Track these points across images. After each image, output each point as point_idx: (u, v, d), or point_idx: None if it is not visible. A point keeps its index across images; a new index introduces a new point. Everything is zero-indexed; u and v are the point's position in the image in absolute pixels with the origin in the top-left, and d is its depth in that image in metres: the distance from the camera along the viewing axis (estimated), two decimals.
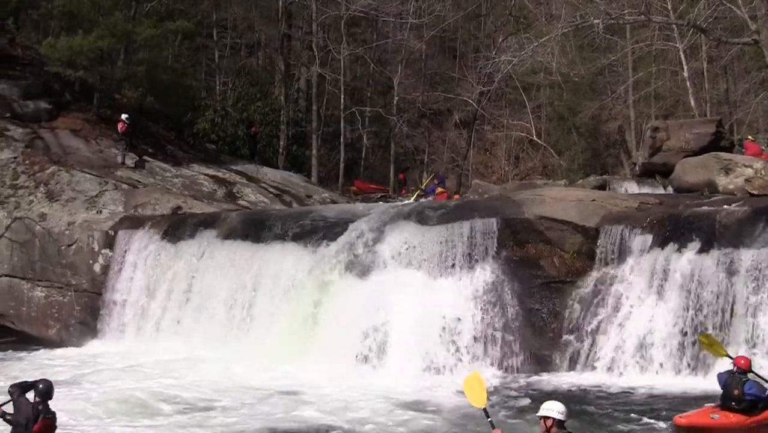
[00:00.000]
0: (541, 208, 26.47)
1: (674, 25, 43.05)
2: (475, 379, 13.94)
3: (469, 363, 24.11)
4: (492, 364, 24.15)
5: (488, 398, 13.88)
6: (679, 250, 23.75)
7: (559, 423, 12.53)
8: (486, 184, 47.58)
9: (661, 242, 24.23)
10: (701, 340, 19.93)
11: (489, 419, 13.17)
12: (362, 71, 62.17)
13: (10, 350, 29.52)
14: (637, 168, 39.83)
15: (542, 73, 52.12)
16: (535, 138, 57.93)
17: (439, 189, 40.24)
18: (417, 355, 24.39)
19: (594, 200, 26.85)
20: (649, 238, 24.56)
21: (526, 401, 21.06)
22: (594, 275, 25.11)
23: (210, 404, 21.31)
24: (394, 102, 58.36)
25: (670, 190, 32.80)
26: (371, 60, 58.82)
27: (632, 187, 35.47)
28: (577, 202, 26.59)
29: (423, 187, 40.63)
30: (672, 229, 24.37)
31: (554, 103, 59.38)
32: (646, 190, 33.77)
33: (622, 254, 24.82)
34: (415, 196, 37.90)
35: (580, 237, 25.60)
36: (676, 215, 25.07)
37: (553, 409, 12.58)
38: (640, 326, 23.42)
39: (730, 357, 18.82)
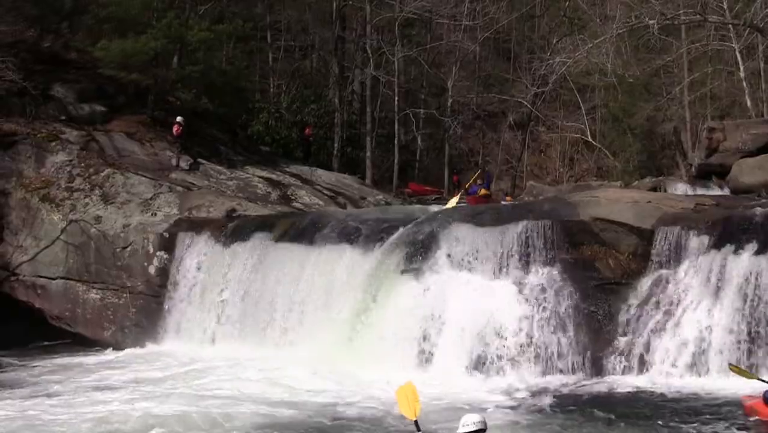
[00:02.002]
0: (597, 210, 26.25)
1: (730, 25, 42.60)
2: (409, 389, 13.55)
3: (522, 364, 23.98)
4: (546, 366, 23.93)
5: (418, 410, 13.26)
6: (736, 252, 23.41)
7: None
8: (540, 186, 47.44)
9: (717, 244, 23.91)
10: (732, 369, 19.71)
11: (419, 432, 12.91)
12: (416, 73, 62.10)
13: (65, 353, 29.83)
14: (693, 169, 39.53)
15: (597, 74, 51.88)
16: (589, 139, 57.65)
17: (482, 190, 38.17)
18: (470, 357, 24.24)
19: (649, 202, 26.60)
20: (706, 239, 24.24)
21: (580, 405, 20.91)
22: (649, 276, 24.81)
23: (265, 406, 21.29)
24: (448, 104, 58.35)
25: (726, 191, 32.50)
26: (425, 62, 58.79)
27: (688, 189, 35.15)
28: (633, 204, 26.34)
29: (466, 186, 38.27)
30: (729, 230, 24.05)
31: (609, 105, 59.02)
32: (702, 191, 33.45)
33: (678, 255, 24.49)
34: (458, 198, 35.46)
35: (636, 239, 25.34)
36: (733, 217, 24.73)
37: (470, 422, 12.17)
38: (696, 329, 23.09)
39: (763, 380, 18.86)
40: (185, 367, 26.40)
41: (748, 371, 20.12)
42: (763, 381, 18.88)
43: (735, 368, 19.63)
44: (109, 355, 29.38)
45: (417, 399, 13.29)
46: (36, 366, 27.80)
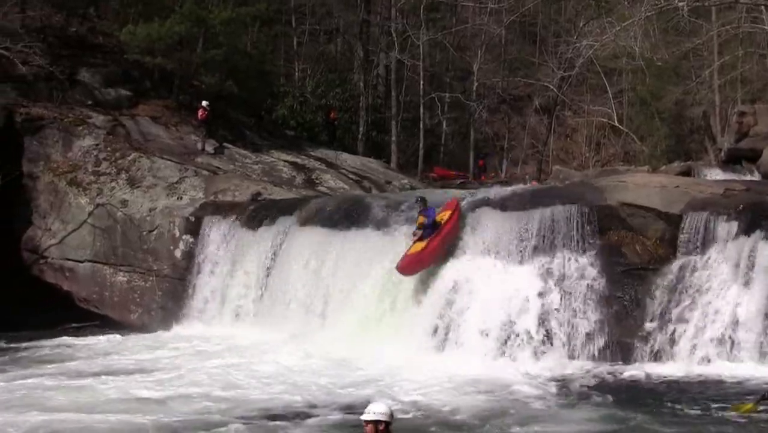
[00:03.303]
0: (624, 195, 26.06)
1: (763, 7, 42.20)
2: None
3: (548, 350, 23.91)
4: (572, 352, 23.84)
5: None
6: (765, 237, 23.20)
7: (386, 425, 12.16)
8: (567, 171, 47.33)
9: (747, 230, 23.66)
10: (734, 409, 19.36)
11: None
12: (441, 57, 62.03)
13: (91, 335, 30.01)
14: (722, 154, 39.31)
15: (624, 57, 51.55)
16: (616, 124, 57.38)
17: (440, 216, 26.58)
18: (495, 341, 24.16)
19: (678, 187, 26.37)
20: (735, 225, 23.99)
21: (606, 391, 20.84)
22: (677, 262, 24.61)
23: (292, 388, 21.39)
24: (474, 88, 58.13)
25: (757, 176, 32.23)
26: (450, 45, 58.68)
27: (717, 174, 34.90)
28: (661, 189, 26.14)
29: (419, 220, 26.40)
30: (759, 216, 23.78)
31: (637, 88, 58.59)
32: (731, 176, 33.21)
33: (706, 241, 24.26)
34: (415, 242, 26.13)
35: (664, 224, 25.15)
36: (763, 202, 24.50)
37: (377, 411, 12.16)
38: (725, 315, 22.93)
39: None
40: (202, 348, 26.69)
41: (749, 403, 19.61)
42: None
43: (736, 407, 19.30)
44: (132, 337, 29.43)
45: None
46: (62, 346, 28.20)
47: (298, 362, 24.11)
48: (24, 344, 28.16)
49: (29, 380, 22.25)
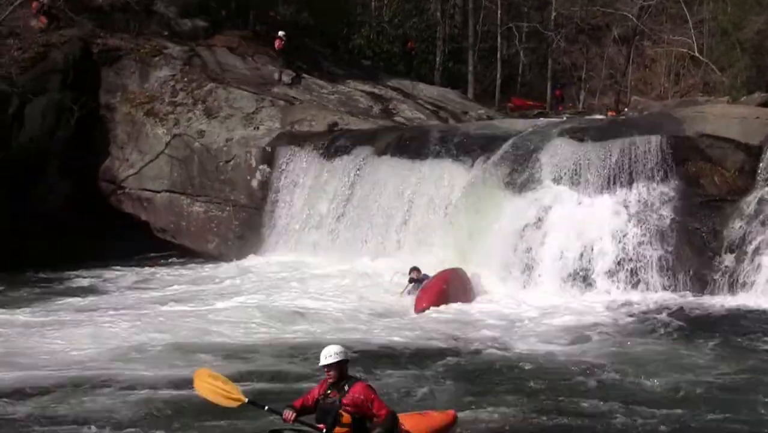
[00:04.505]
0: (703, 126, 25.77)
1: None
2: (207, 377, 12.13)
3: (625, 280, 23.80)
4: (647, 283, 23.73)
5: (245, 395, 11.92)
6: None
7: (342, 363, 11.78)
8: (646, 101, 46.75)
9: None
10: None
11: (266, 408, 11.84)
12: None
13: (172, 262, 30.87)
14: None
15: None
16: (696, 54, 56.41)
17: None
18: (572, 271, 24.17)
19: (758, 118, 26.02)
20: None
21: (681, 322, 20.77)
22: (756, 194, 24.36)
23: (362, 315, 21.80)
24: (552, 17, 57.59)
25: None
26: None
27: None
28: (741, 120, 25.82)
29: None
30: None
31: (717, 18, 57.44)
32: None
33: None
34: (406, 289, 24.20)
35: (743, 155, 24.85)
36: None
37: (337, 352, 11.75)
38: None
39: None
40: (279, 277, 26.93)
41: None
42: None
43: None
44: (211, 266, 29.80)
45: (225, 380, 12.01)
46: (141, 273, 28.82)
47: (371, 291, 24.50)
48: (106, 274, 28.66)
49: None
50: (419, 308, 22.14)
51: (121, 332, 19.64)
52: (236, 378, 13.41)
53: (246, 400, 11.74)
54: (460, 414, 13.11)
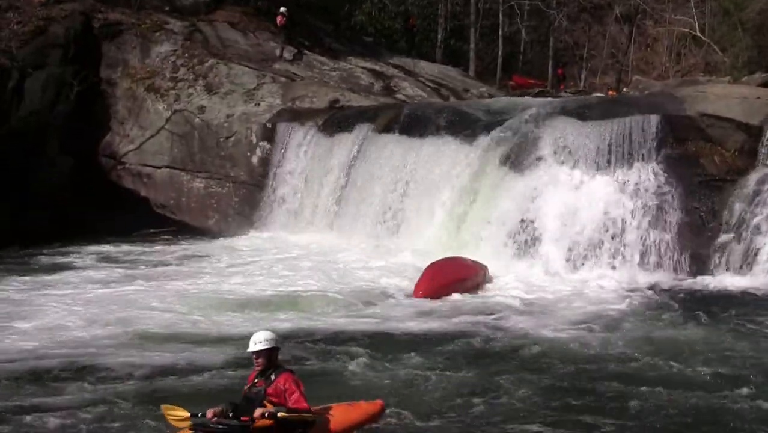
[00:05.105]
0: (704, 105, 25.77)
1: None
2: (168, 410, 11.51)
3: (624, 260, 23.84)
4: (646, 262, 23.78)
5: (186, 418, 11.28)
6: None
7: (271, 351, 11.45)
8: (647, 81, 46.67)
9: None
10: None
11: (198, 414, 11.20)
12: None
13: (173, 239, 30.75)
14: None
15: None
16: (698, 34, 56.30)
17: None
18: (570, 252, 24.17)
19: (759, 98, 26.03)
20: None
21: (679, 302, 20.84)
22: (756, 174, 24.41)
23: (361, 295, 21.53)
24: None
25: None
26: None
27: None
28: (741, 100, 25.82)
29: None
30: None
31: None
32: None
33: None
34: None
35: (743, 135, 24.85)
36: None
37: (268, 338, 11.44)
38: None
39: None
40: (278, 254, 26.84)
41: None
42: None
43: None
44: (211, 242, 29.83)
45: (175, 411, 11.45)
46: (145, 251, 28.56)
47: (370, 267, 24.38)
48: (105, 248, 28.62)
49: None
50: (417, 295, 21.39)
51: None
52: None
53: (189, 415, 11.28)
54: (459, 400, 13.11)
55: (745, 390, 14.08)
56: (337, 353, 16.22)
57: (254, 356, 11.42)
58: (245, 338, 12.04)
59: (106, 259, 26.86)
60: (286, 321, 18.76)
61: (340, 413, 11.82)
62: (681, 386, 14.32)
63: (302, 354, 16.07)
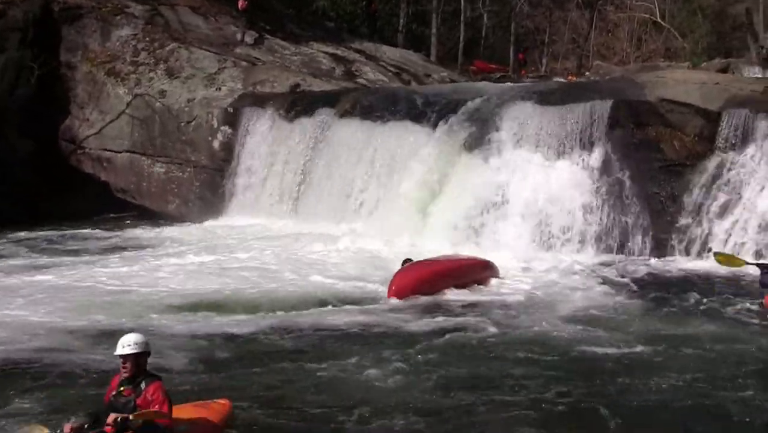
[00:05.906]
0: (663, 91, 25.92)
1: None
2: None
3: (585, 243, 24.01)
4: (606, 246, 24.01)
5: None
6: None
7: (141, 355, 10.73)
8: (607, 66, 47.03)
9: None
10: (718, 260, 20.16)
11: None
12: None
13: (129, 227, 30.27)
14: (764, 52, 38.77)
15: None
16: (658, 20, 56.72)
17: None
18: (533, 236, 24.32)
19: (717, 84, 26.21)
20: None
21: (639, 285, 20.99)
22: (715, 159, 24.58)
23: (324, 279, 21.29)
24: None
25: None
26: None
27: (758, 72, 34.55)
28: (700, 85, 25.98)
29: None
30: None
31: None
32: None
33: (744, 139, 24.18)
34: None
35: (702, 120, 25.01)
36: None
37: (137, 341, 10.70)
38: (760, 212, 23.01)
39: (750, 263, 19.63)
40: (239, 239, 26.70)
41: (735, 257, 20.47)
42: (751, 264, 19.60)
43: (721, 257, 20.23)
44: (171, 228, 29.65)
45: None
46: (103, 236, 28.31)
47: (329, 253, 24.17)
48: (69, 232, 28.44)
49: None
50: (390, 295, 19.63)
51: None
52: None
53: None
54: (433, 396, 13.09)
55: (712, 374, 14.19)
56: (306, 351, 15.56)
57: (121, 360, 10.61)
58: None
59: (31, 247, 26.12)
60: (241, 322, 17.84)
61: (191, 413, 11.22)
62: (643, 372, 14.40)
63: (265, 353, 15.37)
